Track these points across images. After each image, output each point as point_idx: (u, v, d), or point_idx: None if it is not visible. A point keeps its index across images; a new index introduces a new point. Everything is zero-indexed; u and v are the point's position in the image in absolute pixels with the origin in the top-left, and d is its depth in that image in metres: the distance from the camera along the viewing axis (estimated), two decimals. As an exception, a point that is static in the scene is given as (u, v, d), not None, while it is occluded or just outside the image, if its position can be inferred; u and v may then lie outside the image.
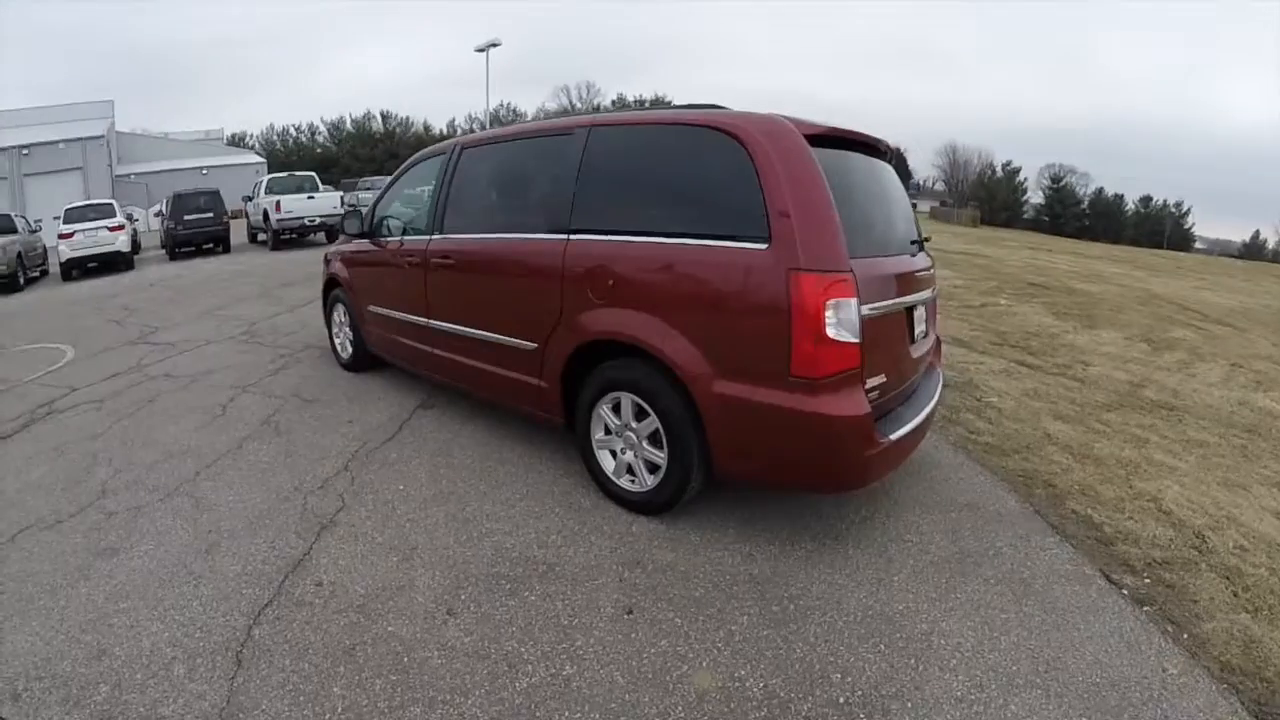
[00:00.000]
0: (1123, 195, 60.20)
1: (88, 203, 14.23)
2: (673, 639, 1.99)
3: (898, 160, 3.12)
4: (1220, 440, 3.82)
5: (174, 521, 2.73)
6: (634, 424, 2.63)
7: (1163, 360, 5.76)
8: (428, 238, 3.65)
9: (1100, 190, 60.31)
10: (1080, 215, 58.13)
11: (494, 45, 23.92)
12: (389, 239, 4.07)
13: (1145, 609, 2.18)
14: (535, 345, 2.93)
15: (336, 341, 5.00)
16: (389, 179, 4.43)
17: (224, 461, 3.31)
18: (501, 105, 54.54)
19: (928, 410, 2.67)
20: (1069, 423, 3.93)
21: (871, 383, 2.25)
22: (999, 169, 61.89)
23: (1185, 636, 2.05)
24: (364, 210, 4.49)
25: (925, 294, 2.82)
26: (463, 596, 2.16)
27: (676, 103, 2.83)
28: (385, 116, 54.46)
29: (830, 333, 2.10)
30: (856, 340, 2.13)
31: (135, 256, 14.59)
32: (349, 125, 54.32)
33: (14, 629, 2.11)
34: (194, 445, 3.54)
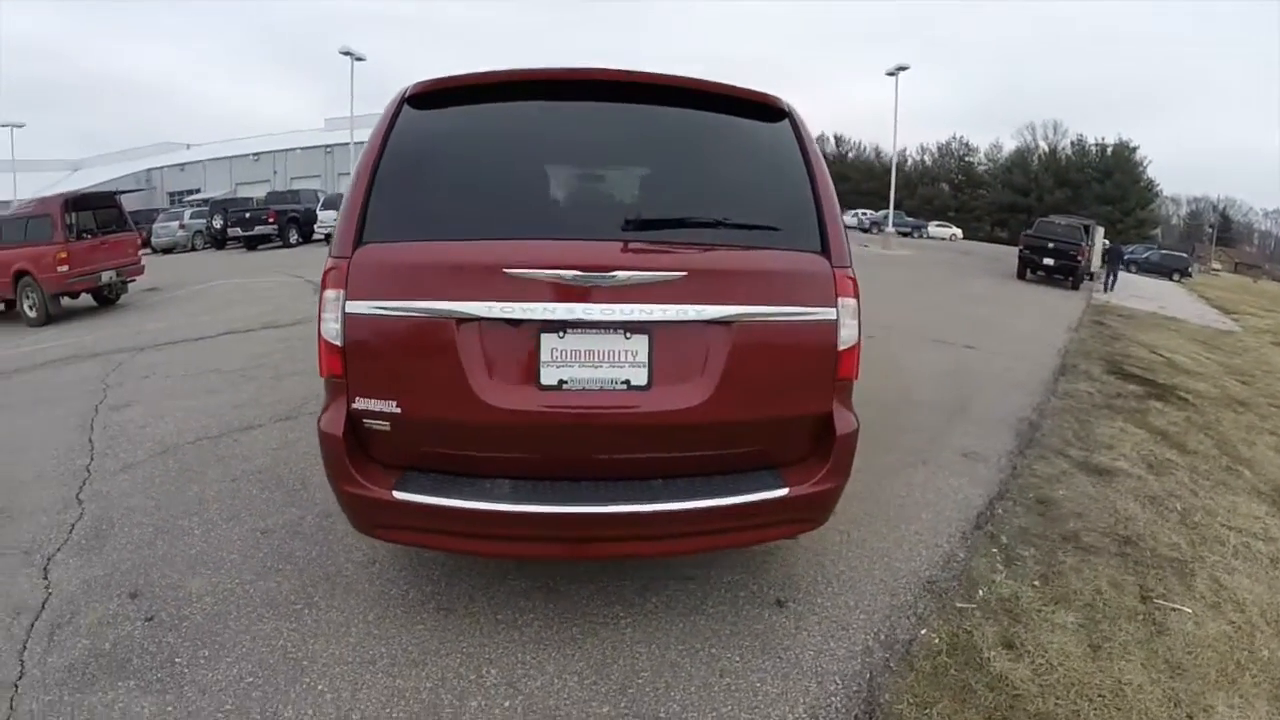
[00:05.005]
0: None
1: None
2: (234, 577, 2.45)
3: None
4: None
5: (253, 386, 4.76)
6: None
7: None
8: None
9: None
10: None
11: (903, 69, 25.40)
12: None
13: None
14: None
15: None
16: None
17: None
18: (953, 138, 58.71)
19: (605, 511, 1.88)
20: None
21: (371, 405, 1.91)
22: None
23: None
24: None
25: (649, 311, 1.86)
26: (247, 480, 3.37)
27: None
28: (838, 140, 61.40)
29: (323, 329, 1.93)
30: (336, 342, 1.91)
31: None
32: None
33: (132, 402, 4.27)
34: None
